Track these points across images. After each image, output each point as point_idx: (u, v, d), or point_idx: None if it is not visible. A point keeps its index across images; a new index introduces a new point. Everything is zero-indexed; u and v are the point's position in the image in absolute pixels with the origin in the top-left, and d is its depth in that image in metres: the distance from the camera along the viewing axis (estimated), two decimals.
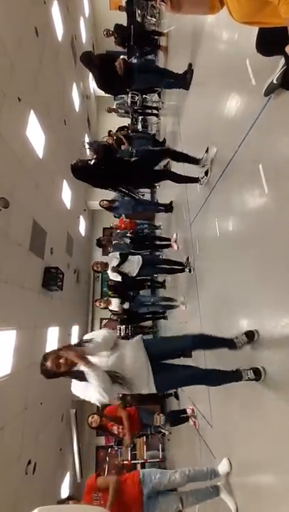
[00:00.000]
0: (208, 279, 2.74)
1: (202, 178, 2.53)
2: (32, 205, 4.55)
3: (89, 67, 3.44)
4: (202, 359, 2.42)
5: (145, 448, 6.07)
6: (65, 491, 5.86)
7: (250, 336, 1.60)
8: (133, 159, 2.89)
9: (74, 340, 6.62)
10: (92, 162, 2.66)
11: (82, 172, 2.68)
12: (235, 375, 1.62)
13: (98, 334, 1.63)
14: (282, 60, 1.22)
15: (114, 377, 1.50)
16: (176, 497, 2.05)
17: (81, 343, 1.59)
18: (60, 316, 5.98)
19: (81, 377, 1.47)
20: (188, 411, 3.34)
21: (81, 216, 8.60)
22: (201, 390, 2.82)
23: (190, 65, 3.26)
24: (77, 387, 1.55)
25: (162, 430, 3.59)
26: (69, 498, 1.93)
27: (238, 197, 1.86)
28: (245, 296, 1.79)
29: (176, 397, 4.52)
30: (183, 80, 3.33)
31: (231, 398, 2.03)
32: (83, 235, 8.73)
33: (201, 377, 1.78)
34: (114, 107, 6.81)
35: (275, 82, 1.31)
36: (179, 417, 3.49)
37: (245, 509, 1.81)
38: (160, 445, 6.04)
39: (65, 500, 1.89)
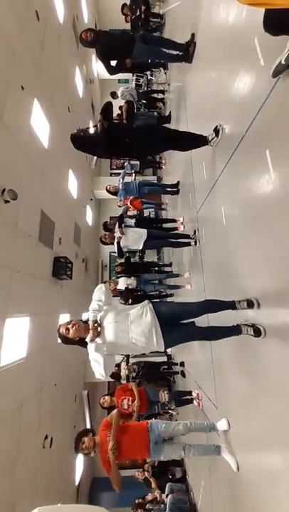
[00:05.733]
0: (214, 258, 2.76)
1: (212, 139, 2.33)
2: (39, 196, 4.60)
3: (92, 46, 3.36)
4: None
5: None
6: (79, 464, 6.30)
7: (250, 304, 1.71)
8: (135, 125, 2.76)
9: None
10: (94, 130, 2.54)
11: (84, 142, 2.60)
12: (235, 329, 1.77)
13: (94, 299, 1.87)
14: None
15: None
16: (180, 446, 2.30)
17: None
18: (70, 303, 6.17)
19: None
20: (194, 394, 3.49)
21: (88, 206, 8.62)
22: (207, 373, 2.92)
23: (193, 35, 3.11)
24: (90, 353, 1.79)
25: (170, 411, 3.77)
26: (88, 431, 2.28)
27: (245, 182, 1.84)
28: (249, 276, 1.82)
29: (183, 375, 4.69)
30: (185, 52, 3.18)
31: (237, 382, 2.11)
32: (90, 224, 8.79)
33: (205, 332, 1.97)
34: (119, 94, 6.63)
35: (283, 62, 1.26)
36: (183, 397, 3.65)
37: (245, 467, 1.96)
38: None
39: (86, 432, 2.22)
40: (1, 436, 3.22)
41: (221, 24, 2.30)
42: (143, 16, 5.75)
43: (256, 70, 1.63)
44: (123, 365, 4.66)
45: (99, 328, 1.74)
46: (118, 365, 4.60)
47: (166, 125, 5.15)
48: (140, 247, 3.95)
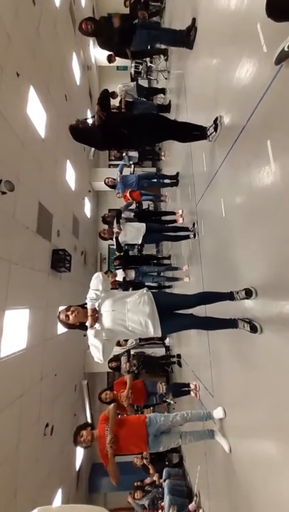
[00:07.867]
0: (212, 252, 2.77)
1: (211, 133, 2.34)
2: (37, 188, 4.54)
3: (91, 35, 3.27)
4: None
5: None
6: (79, 450, 6.48)
7: (249, 292, 1.71)
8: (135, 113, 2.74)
9: None
10: (92, 121, 2.54)
11: (82, 134, 2.58)
12: (231, 323, 1.82)
13: (91, 288, 1.87)
14: None
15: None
16: (177, 435, 2.40)
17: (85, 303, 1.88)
18: (69, 295, 6.19)
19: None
20: (192, 386, 3.56)
21: (86, 198, 8.53)
22: (204, 364, 2.97)
23: (194, 19, 3.03)
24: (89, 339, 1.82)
25: (167, 400, 3.86)
26: (87, 425, 2.34)
27: (246, 174, 1.82)
28: (248, 268, 1.83)
29: (180, 364, 4.78)
30: (186, 38, 3.10)
31: (233, 372, 2.15)
32: (89, 216, 8.73)
33: (201, 322, 2.00)
34: (118, 92, 6.43)
35: (286, 49, 1.23)
36: (180, 389, 3.73)
37: (239, 453, 2.03)
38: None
39: (84, 426, 2.30)
40: (2, 424, 3.29)
41: (222, 9, 2.22)
42: (142, 0, 5.53)
43: (258, 57, 1.59)
44: (124, 359, 4.73)
45: (97, 315, 1.82)
46: (119, 359, 4.67)
47: (166, 115, 5.05)
48: (139, 242, 3.94)
